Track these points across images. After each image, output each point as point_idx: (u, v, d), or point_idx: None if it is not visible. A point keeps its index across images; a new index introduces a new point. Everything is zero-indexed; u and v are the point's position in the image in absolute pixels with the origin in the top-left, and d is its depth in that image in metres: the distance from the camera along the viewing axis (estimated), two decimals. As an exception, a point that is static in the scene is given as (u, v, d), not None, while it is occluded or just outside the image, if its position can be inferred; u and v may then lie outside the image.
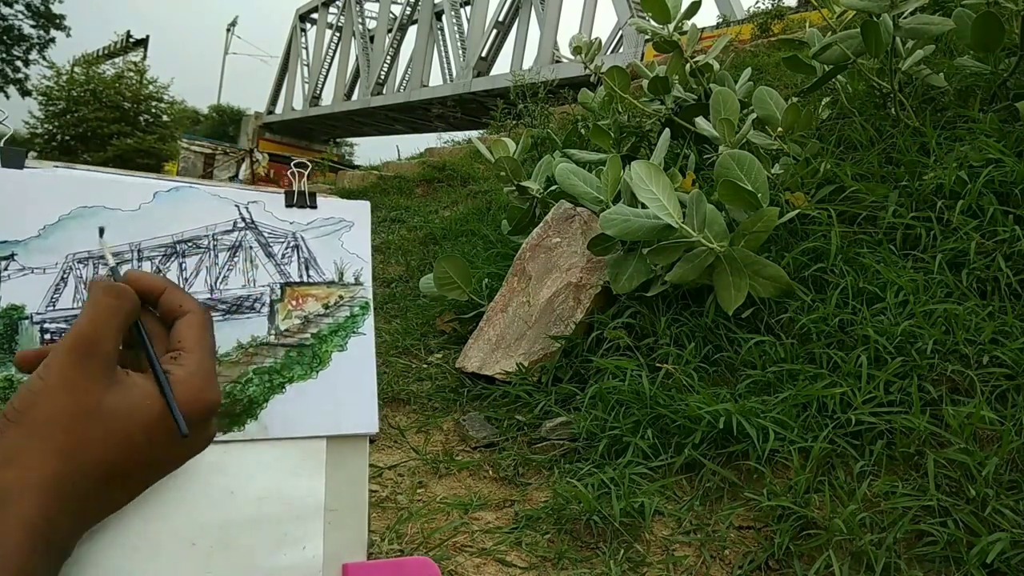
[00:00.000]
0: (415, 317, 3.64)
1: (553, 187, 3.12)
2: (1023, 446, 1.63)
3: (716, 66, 3.48)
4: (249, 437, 0.62)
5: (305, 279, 0.68)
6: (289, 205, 0.69)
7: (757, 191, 2.33)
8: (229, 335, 0.63)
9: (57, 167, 0.62)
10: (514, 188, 3.22)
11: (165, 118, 27.56)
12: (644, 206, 2.29)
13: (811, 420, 1.92)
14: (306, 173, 0.70)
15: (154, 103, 27.20)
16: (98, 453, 0.47)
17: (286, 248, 0.68)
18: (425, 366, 3.05)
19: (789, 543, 1.67)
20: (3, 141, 0.62)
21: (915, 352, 1.92)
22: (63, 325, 0.59)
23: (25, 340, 0.58)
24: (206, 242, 0.65)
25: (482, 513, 1.99)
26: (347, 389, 0.66)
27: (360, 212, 0.72)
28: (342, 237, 0.70)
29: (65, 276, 0.60)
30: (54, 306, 0.60)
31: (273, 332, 0.65)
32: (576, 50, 3.61)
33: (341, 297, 0.69)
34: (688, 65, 3.44)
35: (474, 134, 10.11)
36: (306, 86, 32.45)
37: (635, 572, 1.70)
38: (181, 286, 0.60)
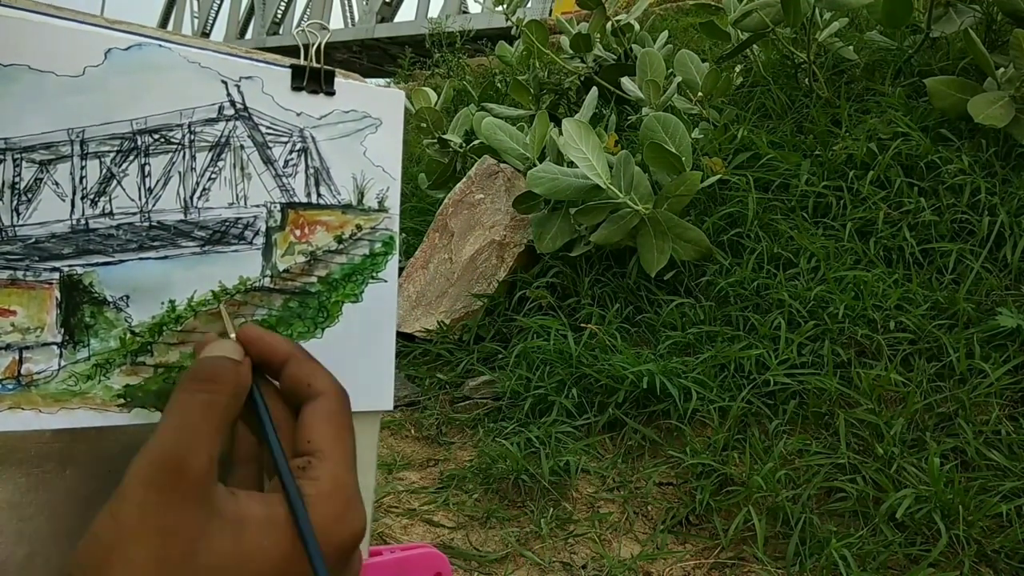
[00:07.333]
0: (326, 271, 3.52)
1: (474, 141, 3.06)
2: (926, 407, 1.74)
3: (637, 27, 3.49)
4: None
5: (314, 199, 0.50)
6: (297, 87, 0.49)
7: (681, 155, 2.36)
8: (209, 275, 0.47)
9: None
10: (435, 141, 3.14)
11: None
12: (572, 164, 2.27)
13: (729, 380, 1.99)
14: (320, 40, 0.50)
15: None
16: None
17: (290, 152, 0.50)
18: (339, 322, 2.97)
19: (709, 499, 1.73)
20: None
21: (827, 316, 2.01)
22: None
23: None
24: (180, 135, 0.46)
25: (406, 473, 1.97)
26: (359, 353, 0.52)
27: (391, 105, 0.53)
28: (365, 140, 0.52)
29: None
30: None
31: (269, 273, 0.49)
32: (497, 1, 3.53)
33: (359, 227, 0.52)
34: (610, 24, 3.42)
35: (380, 82, 9.81)
36: (196, 21, 30.57)
37: (563, 529, 1.72)
38: (145, 199, 0.45)
